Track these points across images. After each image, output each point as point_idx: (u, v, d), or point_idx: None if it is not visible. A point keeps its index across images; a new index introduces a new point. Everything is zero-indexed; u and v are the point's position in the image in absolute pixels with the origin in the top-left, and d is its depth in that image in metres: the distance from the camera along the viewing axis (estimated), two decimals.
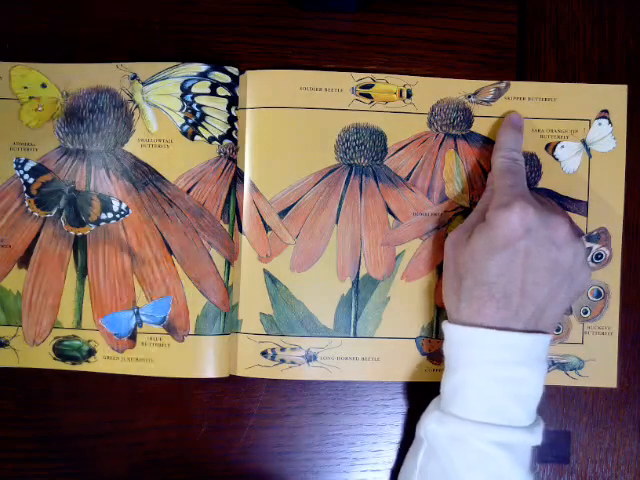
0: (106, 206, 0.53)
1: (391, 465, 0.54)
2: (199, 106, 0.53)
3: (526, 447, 0.45)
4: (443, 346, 0.48)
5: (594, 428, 0.55)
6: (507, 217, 0.44)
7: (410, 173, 0.54)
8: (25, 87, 0.53)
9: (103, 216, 0.53)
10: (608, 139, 0.54)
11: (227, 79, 0.53)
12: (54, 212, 0.53)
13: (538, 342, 0.45)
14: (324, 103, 0.53)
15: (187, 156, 0.53)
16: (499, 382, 0.45)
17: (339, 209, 0.54)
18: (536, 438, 0.45)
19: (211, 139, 0.53)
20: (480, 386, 0.45)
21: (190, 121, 0.53)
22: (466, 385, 0.46)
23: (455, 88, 0.54)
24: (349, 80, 0.54)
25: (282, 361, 0.53)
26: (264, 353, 0.53)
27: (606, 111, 0.54)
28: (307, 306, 0.53)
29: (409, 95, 0.54)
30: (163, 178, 0.53)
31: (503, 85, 0.54)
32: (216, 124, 0.53)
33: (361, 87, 0.54)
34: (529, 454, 0.46)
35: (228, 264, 0.53)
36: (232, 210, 0.53)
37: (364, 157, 0.54)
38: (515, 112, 0.53)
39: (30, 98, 0.53)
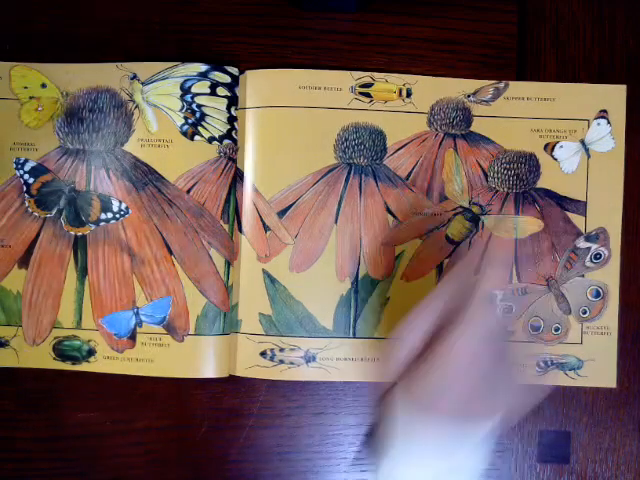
0: (106, 206, 0.53)
1: None
2: (199, 106, 0.53)
3: None
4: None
5: (594, 428, 0.55)
6: (473, 334, 0.41)
7: (409, 173, 0.54)
8: (25, 87, 0.53)
9: (103, 216, 0.53)
10: (607, 139, 0.54)
11: (227, 79, 0.53)
12: (54, 212, 0.53)
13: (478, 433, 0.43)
14: (323, 102, 0.53)
15: (187, 156, 0.53)
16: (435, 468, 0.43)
17: (338, 209, 0.54)
18: None
19: (211, 139, 0.53)
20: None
21: (190, 121, 0.53)
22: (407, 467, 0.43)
23: (455, 88, 0.54)
24: (348, 79, 0.54)
25: (281, 362, 0.53)
26: (263, 353, 0.53)
27: (605, 111, 0.54)
28: (306, 306, 0.53)
29: (409, 94, 0.54)
30: (163, 178, 0.53)
31: (502, 85, 0.54)
32: (216, 124, 0.53)
33: (360, 86, 0.54)
34: None
35: (228, 264, 0.53)
36: (232, 210, 0.53)
37: (363, 156, 0.54)
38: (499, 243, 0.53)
39: (30, 98, 0.53)
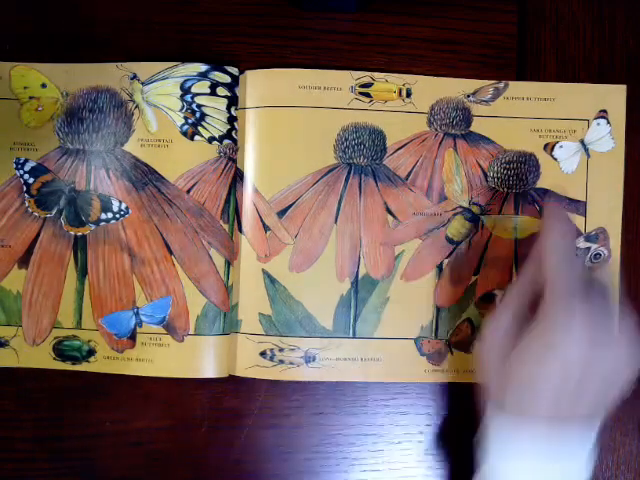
0: (106, 206, 0.53)
1: (391, 465, 0.54)
2: (199, 106, 0.53)
3: None
4: (485, 432, 0.46)
5: None
6: (567, 330, 0.41)
7: (409, 173, 0.54)
8: (25, 87, 0.53)
9: (103, 216, 0.53)
10: (607, 139, 0.54)
11: (227, 79, 0.53)
12: (54, 212, 0.53)
13: (585, 435, 0.43)
14: (323, 102, 0.53)
15: (187, 156, 0.53)
16: (542, 473, 0.43)
17: (338, 209, 0.54)
18: None
19: (211, 139, 0.53)
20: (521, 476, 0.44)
21: (190, 121, 0.53)
22: (507, 474, 0.44)
23: (454, 87, 0.54)
24: (348, 79, 0.54)
25: (281, 362, 0.53)
26: (263, 354, 0.53)
27: (605, 111, 0.54)
28: (306, 306, 0.53)
29: (408, 94, 0.54)
30: (163, 178, 0.53)
31: (502, 85, 0.54)
32: (216, 124, 0.53)
33: (360, 86, 0.54)
34: None
35: (228, 264, 0.53)
36: (232, 210, 0.53)
37: (363, 156, 0.54)
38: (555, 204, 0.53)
39: (30, 98, 0.53)
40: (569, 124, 0.54)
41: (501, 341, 0.44)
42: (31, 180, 0.53)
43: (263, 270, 0.53)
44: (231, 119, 0.53)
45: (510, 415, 0.43)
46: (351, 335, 0.54)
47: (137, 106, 0.53)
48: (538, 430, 0.43)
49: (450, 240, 0.54)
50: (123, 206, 0.53)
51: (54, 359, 0.53)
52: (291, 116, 0.53)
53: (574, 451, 0.43)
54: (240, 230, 0.53)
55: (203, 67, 0.53)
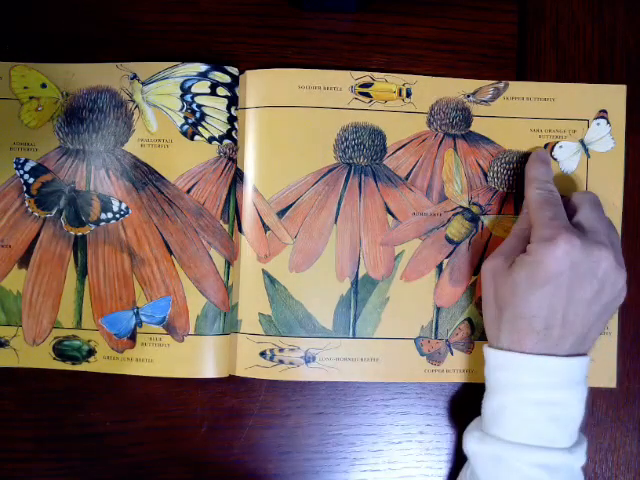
0: (106, 206, 0.53)
1: (391, 465, 0.54)
2: (199, 106, 0.53)
3: (568, 468, 0.45)
4: (485, 369, 0.48)
5: (594, 428, 0.55)
6: (552, 252, 0.44)
7: (409, 173, 0.54)
8: (25, 87, 0.53)
9: (103, 216, 0.53)
10: (606, 139, 0.54)
11: (227, 79, 0.53)
12: (54, 212, 0.53)
13: (576, 365, 0.45)
14: (323, 102, 0.53)
15: (187, 156, 0.53)
16: (538, 405, 0.45)
17: (338, 209, 0.54)
18: (578, 458, 0.45)
19: (211, 139, 0.53)
20: (519, 410, 0.45)
21: (190, 121, 0.53)
22: (505, 408, 0.46)
23: (454, 87, 0.54)
24: (348, 79, 0.54)
25: (281, 362, 0.53)
26: (263, 354, 0.53)
27: (604, 111, 0.54)
28: (306, 306, 0.53)
29: (408, 94, 0.54)
30: (163, 178, 0.53)
31: (502, 85, 0.54)
32: (216, 124, 0.53)
33: (360, 86, 0.54)
34: (575, 475, 0.46)
35: (228, 264, 0.53)
36: (232, 210, 0.53)
37: (363, 156, 0.54)
38: (540, 149, 0.54)
39: (30, 98, 0.53)
40: (569, 124, 0.54)
41: (498, 279, 0.47)
42: (31, 180, 0.53)
43: (263, 270, 0.53)
44: (231, 119, 0.53)
45: (502, 350, 0.46)
46: (351, 335, 0.54)
47: (137, 106, 0.53)
48: (531, 362, 0.45)
49: (450, 240, 0.54)
50: (123, 206, 0.53)
51: (54, 359, 0.53)
52: (291, 116, 0.53)
53: (561, 384, 0.45)
54: (240, 230, 0.53)
55: (203, 67, 0.53)
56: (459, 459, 0.54)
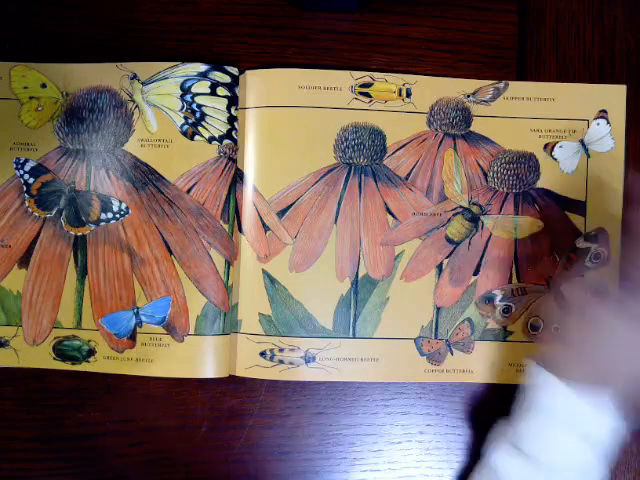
0: (106, 206, 0.53)
1: (391, 465, 0.54)
2: (199, 106, 0.53)
3: None
4: (528, 385, 0.47)
5: None
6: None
7: (409, 173, 0.54)
8: (25, 87, 0.53)
9: (103, 216, 0.53)
10: (606, 139, 0.54)
11: (227, 79, 0.53)
12: (54, 212, 0.53)
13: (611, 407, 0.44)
14: (323, 102, 0.53)
15: (187, 156, 0.53)
16: (579, 438, 0.44)
17: (338, 209, 0.54)
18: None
19: (211, 139, 0.53)
20: (560, 437, 0.45)
21: (190, 121, 0.53)
22: (546, 430, 0.45)
23: (454, 87, 0.54)
24: (348, 79, 0.54)
25: (281, 362, 0.53)
26: (263, 354, 0.53)
27: (604, 111, 0.54)
28: (306, 307, 0.53)
29: (408, 94, 0.54)
30: (163, 178, 0.53)
31: (502, 85, 0.54)
32: (216, 124, 0.53)
33: (360, 86, 0.54)
34: None
35: (228, 264, 0.53)
36: (232, 210, 0.53)
37: (363, 156, 0.54)
38: None
39: (30, 98, 0.53)
40: (569, 124, 0.54)
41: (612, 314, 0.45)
42: (31, 180, 0.53)
43: (263, 270, 0.53)
44: (231, 119, 0.53)
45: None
46: (351, 335, 0.54)
47: (137, 106, 0.53)
48: (572, 396, 0.44)
49: (450, 240, 0.54)
50: (123, 206, 0.53)
51: (54, 359, 0.53)
52: (291, 116, 0.53)
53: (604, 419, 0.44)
54: (240, 230, 0.53)
55: (203, 67, 0.53)
56: (459, 459, 0.54)
